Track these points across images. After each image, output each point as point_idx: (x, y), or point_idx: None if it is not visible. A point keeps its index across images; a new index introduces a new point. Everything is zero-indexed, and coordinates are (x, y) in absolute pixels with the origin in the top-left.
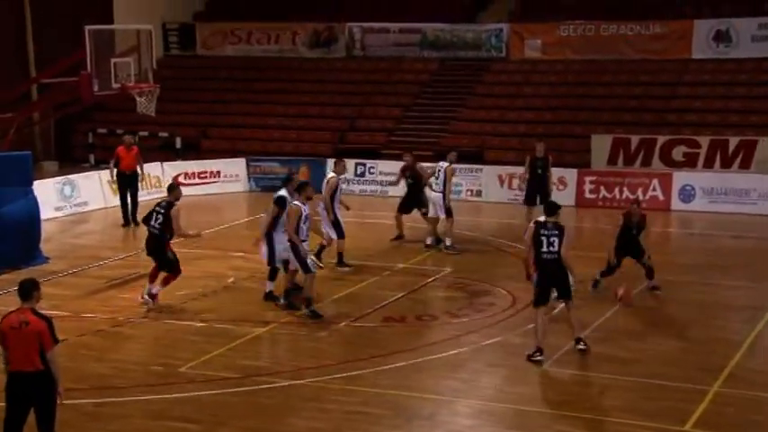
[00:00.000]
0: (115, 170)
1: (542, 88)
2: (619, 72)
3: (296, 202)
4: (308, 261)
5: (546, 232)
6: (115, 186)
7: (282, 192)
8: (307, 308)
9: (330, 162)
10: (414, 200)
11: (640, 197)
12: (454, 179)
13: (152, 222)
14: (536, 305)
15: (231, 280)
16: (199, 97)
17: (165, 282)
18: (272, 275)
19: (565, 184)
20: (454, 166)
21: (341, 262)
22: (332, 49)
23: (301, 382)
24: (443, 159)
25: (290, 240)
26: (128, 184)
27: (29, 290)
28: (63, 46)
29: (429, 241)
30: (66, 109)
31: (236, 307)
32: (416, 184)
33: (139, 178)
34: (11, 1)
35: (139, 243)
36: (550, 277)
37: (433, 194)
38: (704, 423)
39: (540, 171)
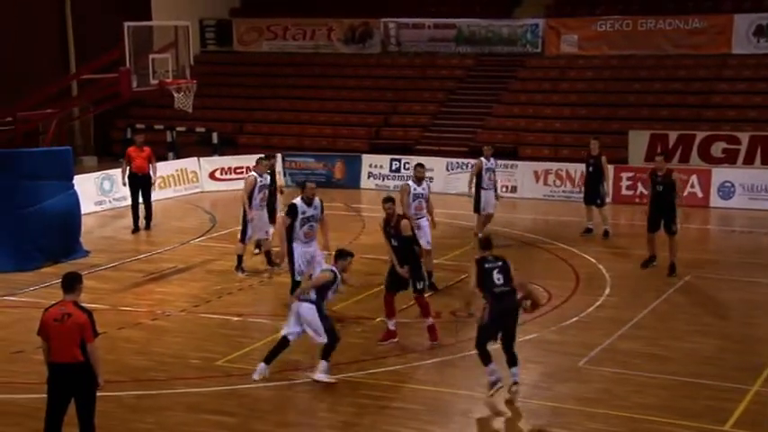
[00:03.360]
0: (128, 172)
1: (578, 84)
2: (656, 67)
3: (294, 201)
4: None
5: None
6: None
7: (296, 200)
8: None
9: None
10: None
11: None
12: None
13: None
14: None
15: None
16: (235, 93)
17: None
18: (294, 290)
19: None
20: (482, 160)
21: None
22: (367, 44)
23: (338, 377)
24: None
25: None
26: (139, 186)
27: (72, 282)
28: (102, 42)
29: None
30: (106, 105)
31: (272, 301)
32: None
33: (152, 181)
34: None
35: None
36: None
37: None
38: (744, 423)
39: (591, 169)
